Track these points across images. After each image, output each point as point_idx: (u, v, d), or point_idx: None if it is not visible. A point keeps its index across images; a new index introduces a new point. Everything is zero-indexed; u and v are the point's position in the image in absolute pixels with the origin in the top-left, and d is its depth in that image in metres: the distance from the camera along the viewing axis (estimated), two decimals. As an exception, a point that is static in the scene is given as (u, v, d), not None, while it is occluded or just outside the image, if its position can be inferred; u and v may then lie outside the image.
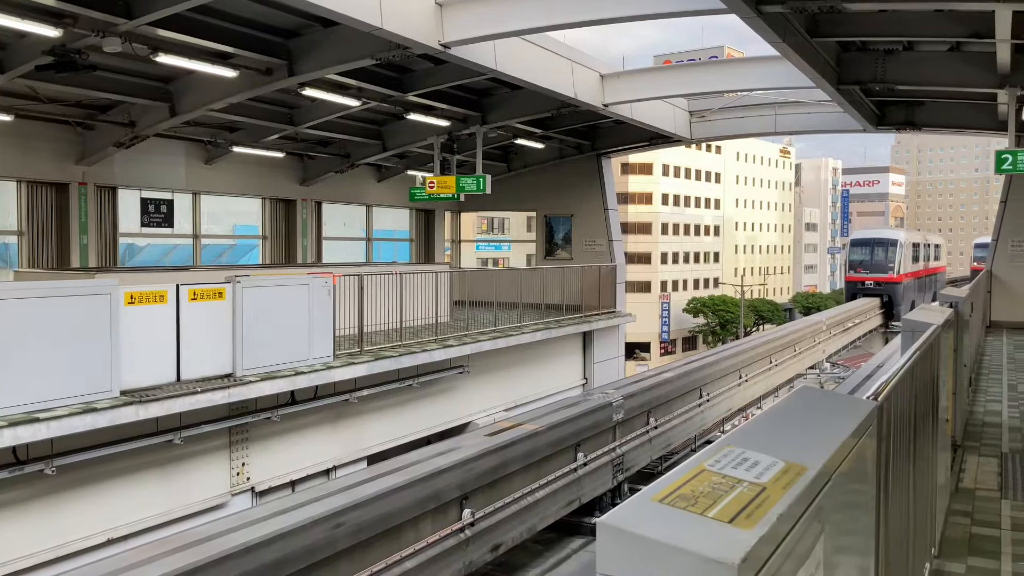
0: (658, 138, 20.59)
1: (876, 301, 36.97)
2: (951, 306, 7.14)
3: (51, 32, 10.04)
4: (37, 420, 8.40)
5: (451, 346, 14.46)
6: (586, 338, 20.76)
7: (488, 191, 16.88)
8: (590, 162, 21.89)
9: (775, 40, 10.61)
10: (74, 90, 12.83)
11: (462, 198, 18.01)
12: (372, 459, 13.73)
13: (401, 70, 14.23)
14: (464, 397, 16.05)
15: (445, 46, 11.55)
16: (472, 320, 16.18)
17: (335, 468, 13.27)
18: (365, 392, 13.28)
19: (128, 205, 15.93)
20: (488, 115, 17.12)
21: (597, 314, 20.17)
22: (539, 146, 20.86)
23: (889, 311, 36.79)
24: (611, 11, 10.79)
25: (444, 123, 17.05)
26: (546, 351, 18.69)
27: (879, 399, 2.53)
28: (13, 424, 8.22)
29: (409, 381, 14.15)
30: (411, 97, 15.03)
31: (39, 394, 8.57)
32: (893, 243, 37.35)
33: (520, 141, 19.90)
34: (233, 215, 19.79)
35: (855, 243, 39.20)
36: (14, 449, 8.68)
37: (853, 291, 37.32)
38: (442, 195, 17.33)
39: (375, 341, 13.44)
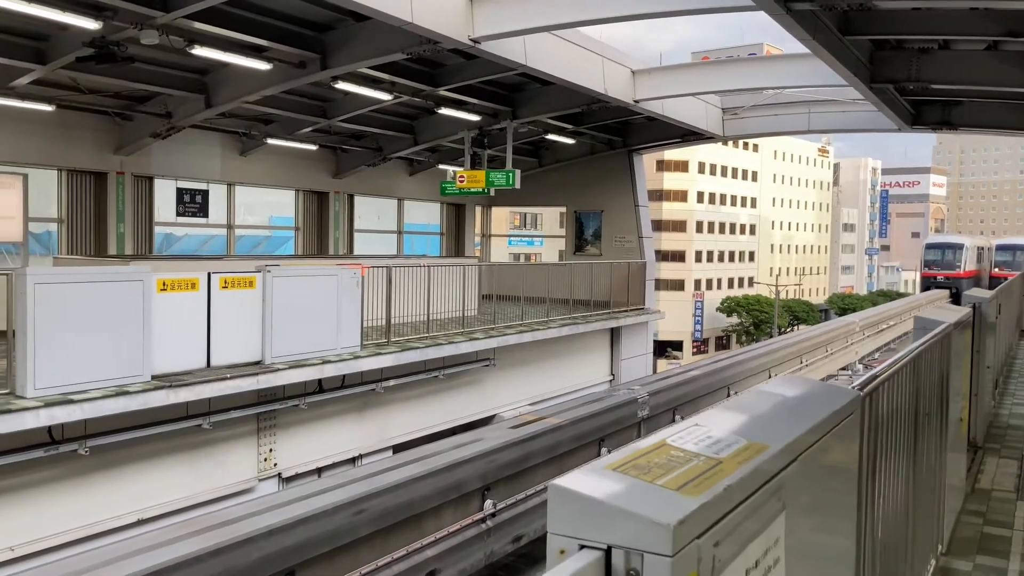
0: (690, 135, 20.52)
1: (921, 299, 40.19)
2: (973, 307, 7.10)
3: (91, 24, 10.30)
4: (71, 401, 8.65)
5: (477, 339, 14.58)
6: (614, 334, 20.78)
7: (517, 186, 16.97)
8: (621, 158, 21.88)
9: (805, 38, 10.58)
10: (113, 81, 13.13)
11: (492, 192, 18.10)
12: (398, 449, 13.90)
13: (433, 65, 14.35)
14: (490, 390, 16.18)
15: (475, 41, 11.65)
16: (499, 314, 16.29)
17: (361, 456, 13.46)
18: (392, 382, 13.45)
19: (164, 195, 16.25)
20: (519, 110, 17.19)
21: (625, 311, 20.18)
22: (570, 141, 20.90)
23: (956, 301, 40.17)
24: (641, 7, 10.81)
25: (475, 118, 17.16)
26: (573, 346, 18.75)
27: (864, 391, 2.59)
28: (49, 404, 8.48)
29: (435, 373, 14.30)
30: (442, 91, 15.16)
31: (74, 376, 8.81)
32: (960, 246, 45.50)
33: (551, 136, 19.96)
34: (270, 206, 20.12)
35: (929, 246, 47.55)
36: (49, 429, 8.96)
37: (927, 284, 45.74)
38: (472, 189, 17.44)
39: (403, 332, 13.60)
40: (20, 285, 8.52)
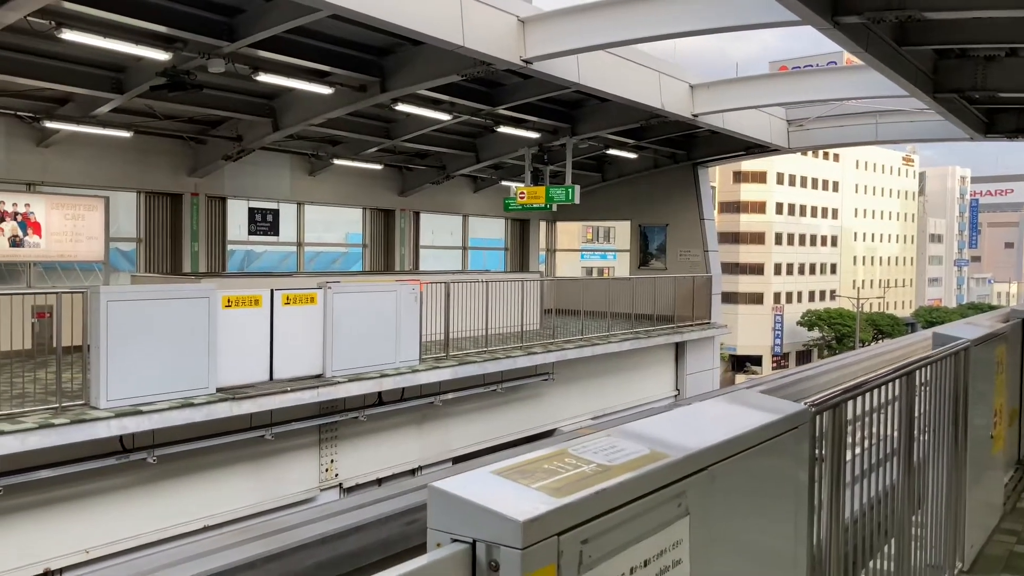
0: (754, 147, 20.37)
1: (1008, 312, 40.60)
2: (1023, 322, 6.95)
3: (163, 56, 10.94)
4: (140, 412, 9.16)
5: (535, 353, 14.76)
6: (679, 349, 20.71)
7: (577, 201, 17.14)
8: (686, 171, 21.83)
9: (857, 50, 10.49)
10: (186, 107, 13.83)
11: (554, 208, 18.31)
12: (457, 460, 14.18)
13: (490, 84, 14.66)
14: (550, 404, 16.33)
15: (527, 61, 11.89)
16: (561, 328, 16.44)
17: (420, 468, 13.77)
18: (450, 395, 13.73)
19: (236, 214, 16.97)
20: (578, 126, 17.38)
21: (690, 325, 20.09)
22: (632, 156, 20.96)
23: None
24: (688, 24, 10.88)
25: (534, 135, 17.41)
26: (636, 361, 18.76)
27: (817, 407, 2.69)
28: (120, 415, 9.00)
29: (494, 386, 14.53)
30: (501, 110, 15.45)
31: (143, 388, 9.31)
32: None
33: (612, 151, 20.06)
34: (347, 223, 20.69)
35: None
36: (121, 438, 9.50)
37: None
38: (533, 205, 17.69)
39: (462, 347, 13.87)
40: (95, 302, 9.08)
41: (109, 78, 12.32)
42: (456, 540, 1.52)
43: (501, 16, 11.62)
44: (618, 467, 1.78)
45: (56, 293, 9.36)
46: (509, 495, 1.57)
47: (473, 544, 1.51)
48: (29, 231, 13.23)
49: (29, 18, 9.29)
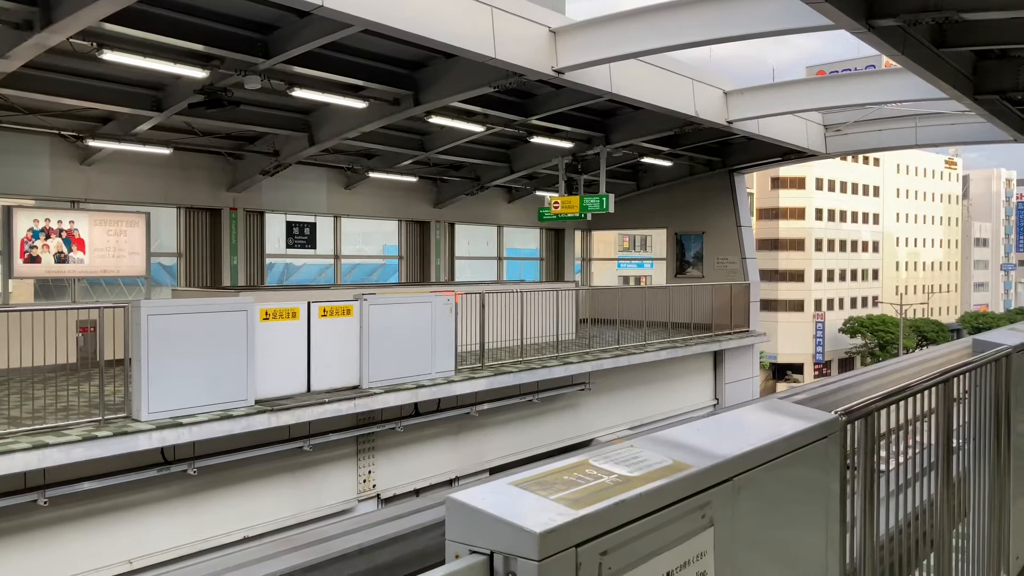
0: (791, 153, 20.17)
1: None
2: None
3: (200, 74, 11.15)
4: (180, 424, 9.29)
5: (571, 363, 14.72)
6: (717, 358, 20.52)
7: (611, 210, 17.09)
8: (722, 178, 21.68)
9: (893, 53, 10.35)
10: (223, 124, 14.07)
11: (588, 217, 18.28)
12: (494, 471, 14.17)
13: (523, 95, 14.70)
14: (586, 414, 16.25)
15: (559, 71, 11.91)
16: (597, 338, 16.37)
17: (458, 479, 13.78)
18: (486, 406, 13.73)
19: (274, 228, 17.20)
20: (611, 135, 17.35)
21: (728, 333, 19.91)
22: (667, 164, 20.88)
23: None
24: (720, 31, 10.83)
25: (568, 144, 17.41)
26: (674, 370, 18.62)
27: (848, 416, 2.64)
28: (160, 427, 9.13)
29: (530, 397, 14.51)
30: (534, 121, 15.49)
31: (183, 401, 9.44)
32: None
33: (646, 159, 19.99)
34: (385, 235, 20.90)
35: None
36: (162, 450, 9.64)
37: None
38: (567, 215, 17.68)
39: (498, 357, 13.87)
40: (135, 316, 9.24)
41: (149, 96, 12.57)
42: (474, 552, 1.52)
43: (532, 27, 11.65)
44: (639, 477, 1.77)
45: (99, 308, 9.54)
46: (527, 506, 1.57)
47: (491, 556, 1.50)
48: (74, 247, 13.51)
49: (71, 40, 9.51)
